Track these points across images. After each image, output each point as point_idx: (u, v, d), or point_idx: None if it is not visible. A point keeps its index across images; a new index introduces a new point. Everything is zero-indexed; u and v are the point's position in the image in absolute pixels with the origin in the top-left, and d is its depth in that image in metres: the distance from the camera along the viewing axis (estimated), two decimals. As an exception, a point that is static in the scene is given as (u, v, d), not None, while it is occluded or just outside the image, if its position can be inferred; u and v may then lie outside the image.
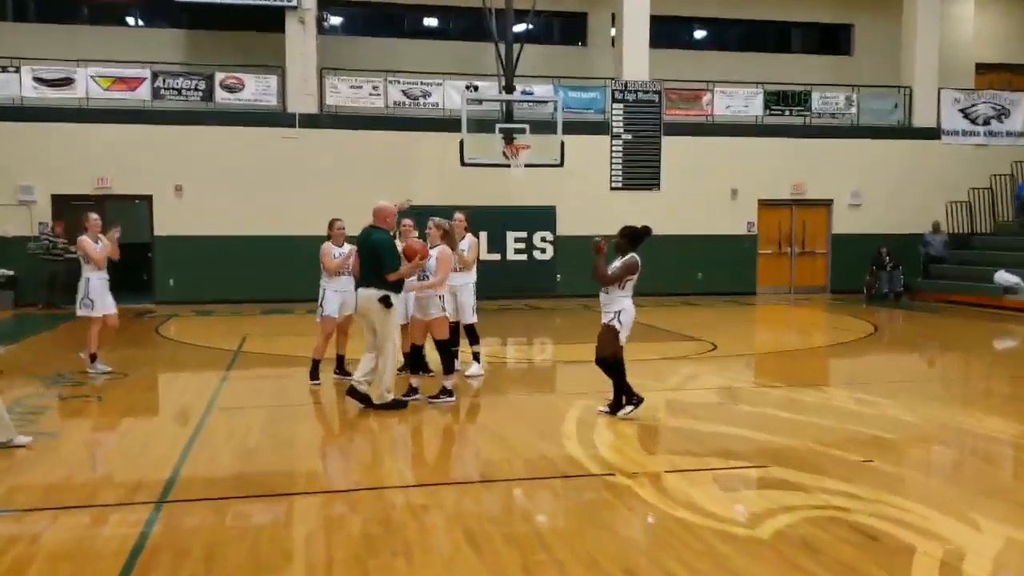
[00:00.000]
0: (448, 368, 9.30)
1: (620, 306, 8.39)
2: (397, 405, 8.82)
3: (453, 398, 9.30)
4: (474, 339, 10.63)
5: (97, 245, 11.02)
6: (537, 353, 14.32)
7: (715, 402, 9.28)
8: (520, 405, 9.38)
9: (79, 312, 11.08)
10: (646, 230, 8.35)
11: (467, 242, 10.46)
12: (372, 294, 8.67)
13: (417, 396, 9.28)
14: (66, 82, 20.50)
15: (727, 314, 19.45)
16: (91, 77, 20.53)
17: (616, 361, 8.50)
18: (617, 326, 8.36)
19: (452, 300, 9.74)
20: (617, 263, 8.35)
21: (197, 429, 8.07)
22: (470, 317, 10.47)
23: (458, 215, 10.47)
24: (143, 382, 10.94)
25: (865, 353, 13.70)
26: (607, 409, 8.62)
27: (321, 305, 10.29)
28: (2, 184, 20.04)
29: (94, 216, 11.32)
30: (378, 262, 8.65)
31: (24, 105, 20.25)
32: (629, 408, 8.48)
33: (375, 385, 8.81)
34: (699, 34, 26.17)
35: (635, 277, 8.31)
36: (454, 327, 9.95)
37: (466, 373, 10.46)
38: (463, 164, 18.04)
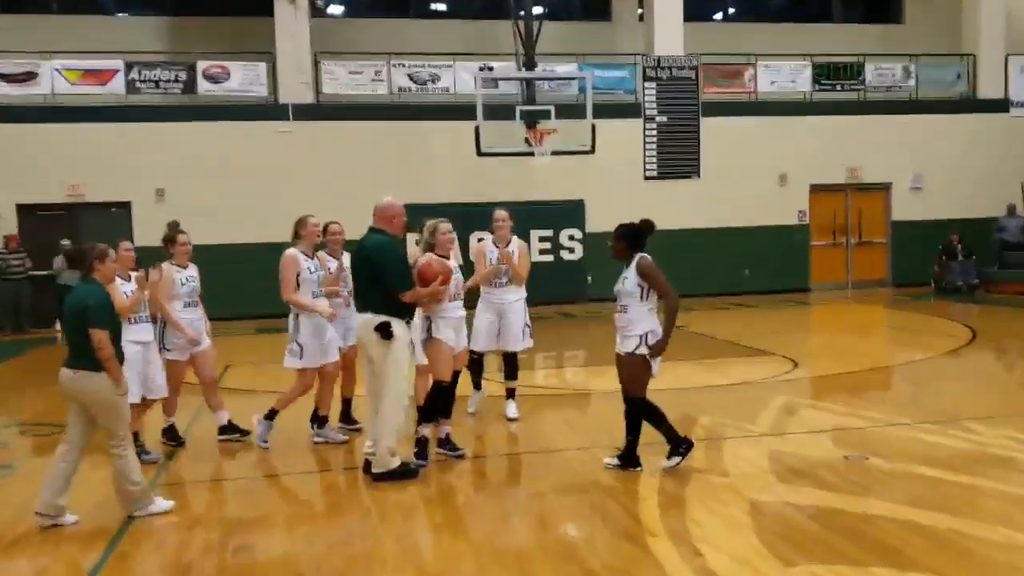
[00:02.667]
0: (427, 416, 7.06)
1: (647, 326, 6.44)
2: (404, 474, 6.47)
3: (464, 450, 7.13)
4: (513, 372, 8.42)
5: (127, 286, 7.15)
6: (583, 378, 11.89)
7: (837, 456, 6.83)
8: (569, 467, 6.90)
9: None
10: (648, 225, 6.58)
11: (515, 245, 8.35)
12: (368, 321, 6.36)
13: (434, 457, 6.95)
14: (29, 77, 18.28)
15: (789, 317, 17.03)
16: (56, 70, 18.28)
17: (642, 400, 6.55)
18: (645, 351, 6.40)
19: (450, 330, 7.13)
20: (633, 270, 6.45)
21: (108, 550, 5.72)
22: (519, 342, 8.28)
23: (500, 213, 8.34)
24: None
25: (989, 367, 11.29)
26: (616, 461, 6.65)
27: (298, 344, 7.47)
28: (-40, 194, 17.79)
29: (126, 246, 7.31)
30: (378, 276, 6.35)
31: (-18, 104, 18.03)
32: (676, 459, 6.53)
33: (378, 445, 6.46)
34: (735, 4, 23.72)
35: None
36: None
37: (509, 414, 8.34)
38: (480, 154, 15.71)
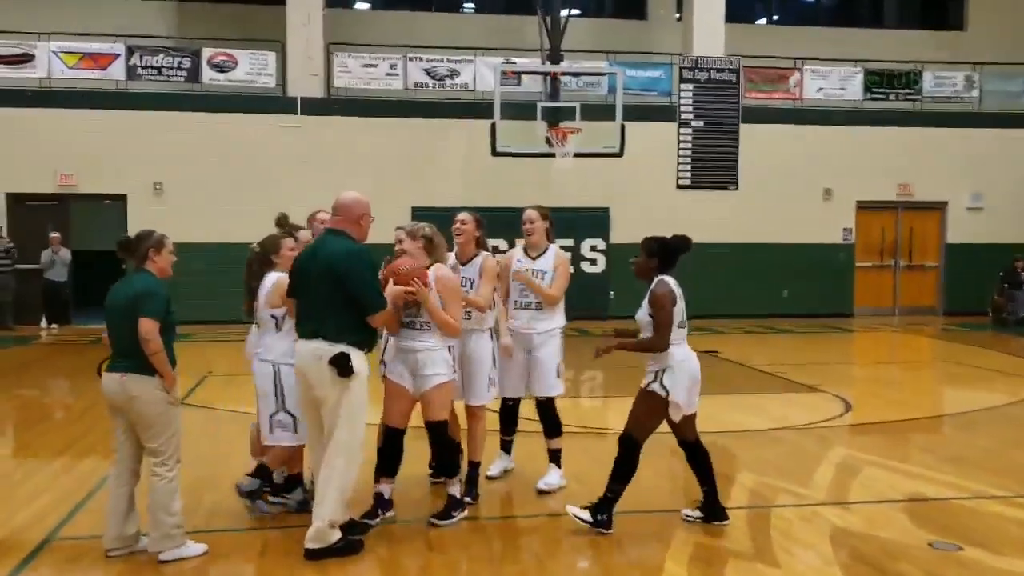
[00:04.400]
0: (451, 469, 5.66)
1: (667, 359, 5.33)
2: (347, 549, 5.04)
3: (465, 511, 5.67)
4: (553, 427, 6.39)
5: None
6: (600, 413, 10.42)
7: (920, 541, 5.32)
8: (620, 547, 5.45)
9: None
10: (683, 242, 5.47)
11: (551, 256, 6.35)
12: (319, 351, 4.92)
13: (386, 516, 5.56)
14: (25, 59, 17.14)
15: (833, 345, 15.50)
16: (54, 53, 17.13)
17: (633, 443, 5.40)
18: (661, 392, 5.29)
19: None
20: (647, 296, 5.39)
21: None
22: (552, 387, 6.33)
23: (531, 213, 6.43)
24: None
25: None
26: (697, 514, 5.60)
27: (280, 399, 5.56)
28: (-53, 181, 16.68)
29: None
30: (338, 293, 4.94)
31: (-27, 86, 16.93)
32: (581, 516, 5.44)
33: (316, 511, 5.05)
34: (781, 6, 22.23)
35: (682, 310, 5.40)
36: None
37: (542, 484, 6.29)
38: (494, 153, 14.34)
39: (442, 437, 5.55)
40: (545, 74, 14.78)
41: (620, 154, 14.70)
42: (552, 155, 14.23)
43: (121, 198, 17.40)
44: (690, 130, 18.34)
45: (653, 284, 5.32)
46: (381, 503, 5.57)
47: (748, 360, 12.85)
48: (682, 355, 5.30)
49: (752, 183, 18.39)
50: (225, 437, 7.78)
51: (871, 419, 9.02)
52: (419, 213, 17.54)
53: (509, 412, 6.49)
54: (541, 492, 6.22)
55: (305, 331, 5.03)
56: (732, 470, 6.80)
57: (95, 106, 17.06)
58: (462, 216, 6.24)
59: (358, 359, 4.93)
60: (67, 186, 17.22)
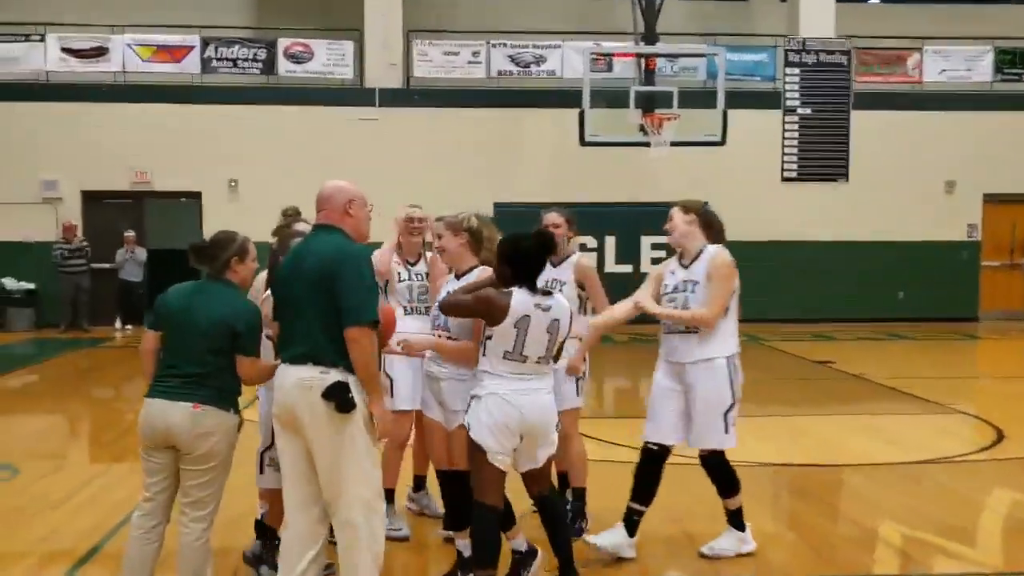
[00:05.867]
0: (456, 522, 4.55)
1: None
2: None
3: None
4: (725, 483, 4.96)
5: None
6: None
7: None
8: None
9: None
10: (542, 242, 4.33)
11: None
12: (309, 381, 3.80)
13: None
14: (99, 52, 16.75)
15: (962, 355, 14.02)
16: (128, 46, 16.67)
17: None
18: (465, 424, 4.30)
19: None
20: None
21: None
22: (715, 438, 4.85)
23: (553, 217, 5.37)
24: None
25: None
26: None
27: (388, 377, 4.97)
28: (23, 178, 16.47)
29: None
30: (332, 304, 3.81)
31: (50, 82, 16.58)
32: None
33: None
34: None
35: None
36: None
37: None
38: (583, 143, 13.25)
39: (458, 489, 4.44)
40: (640, 56, 13.58)
41: (722, 142, 13.47)
42: (646, 144, 13.03)
43: (196, 196, 16.87)
44: (796, 118, 17.00)
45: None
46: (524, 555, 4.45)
47: (867, 372, 11.43)
48: (496, 388, 4.10)
49: (865, 174, 16.91)
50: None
51: (1029, 450, 7.58)
52: (501, 209, 16.51)
53: (652, 464, 4.87)
54: (703, 556, 4.87)
55: (291, 354, 3.86)
56: (867, 518, 5.56)
57: (169, 100, 16.58)
58: (553, 218, 5.35)
59: (356, 390, 3.83)
60: (141, 183, 16.81)
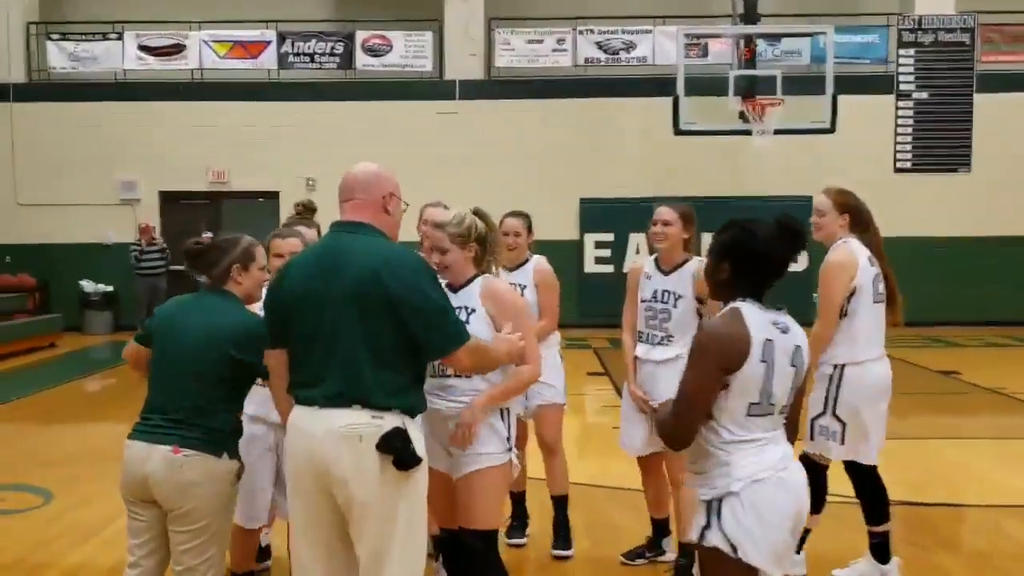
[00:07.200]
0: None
1: (726, 476, 2.74)
2: None
3: None
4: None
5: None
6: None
7: None
8: None
9: None
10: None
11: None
12: (353, 428, 2.91)
13: None
14: (176, 50, 16.45)
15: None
16: (204, 42, 16.32)
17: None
18: (723, 546, 2.72)
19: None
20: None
21: None
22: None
23: (664, 213, 4.52)
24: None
25: None
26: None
27: None
28: (102, 179, 16.37)
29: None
30: (385, 329, 2.96)
31: (128, 80, 16.36)
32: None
33: None
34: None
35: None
36: None
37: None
38: (677, 132, 12.24)
39: (490, 554, 3.47)
40: (739, 38, 12.47)
41: (832, 130, 12.31)
42: (747, 133, 11.95)
43: (274, 195, 16.41)
44: (911, 103, 15.55)
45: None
46: None
47: (1003, 385, 10.11)
48: (757, 467, 2.72)
49: (990, 164, 15.41)
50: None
51: None
52: (587, 205, 15.73)
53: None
54: None
55: (322, 394, 2.96)
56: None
57: (246, 98, 16.22)
58: (665, 215, 4.47)
59: (417, 435, 2.98)
60: (218, 183, 16.48)
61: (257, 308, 3.42)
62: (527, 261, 4.99)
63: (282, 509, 3.82)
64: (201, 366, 3.23)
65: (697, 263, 4.37)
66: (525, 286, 4.86)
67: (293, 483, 3.06)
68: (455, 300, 3.34)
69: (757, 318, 2.73)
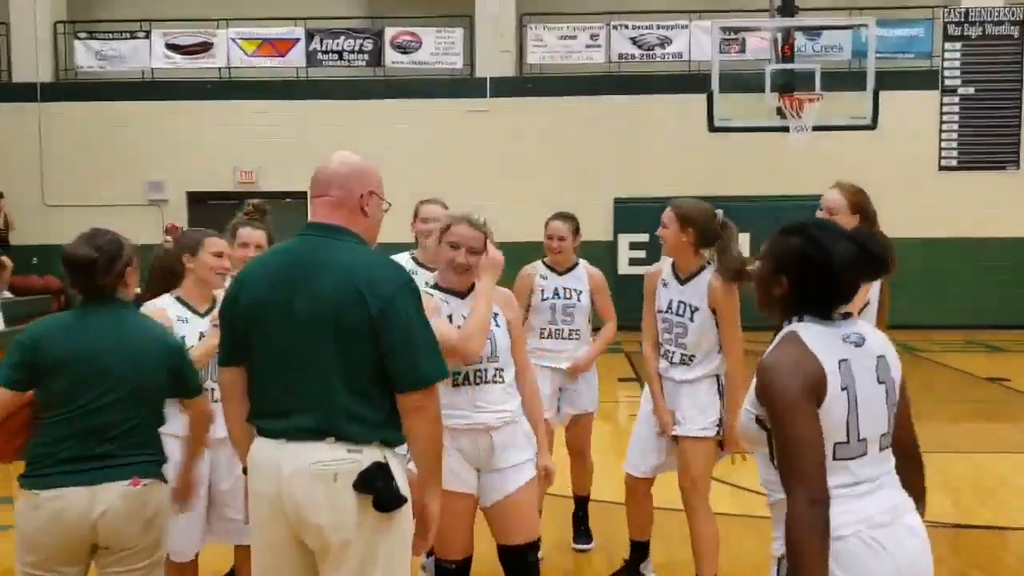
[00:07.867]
0: None
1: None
2: None
3: None
4: None
5: (198, 323, 3.74)
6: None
7: None
8: None
9: None
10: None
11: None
12: (331, 464, 2.54)
13: None
14: (204, 48, 16.31)
15: None
16: (232, 40, 16.17)
17: None
18: None
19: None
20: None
21: None
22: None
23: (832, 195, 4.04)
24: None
25: None
26: None
27: None
28: (129, 179, 16.25)
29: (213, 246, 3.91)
30: (365, 351, 2.59)
31: (155, 79, 16.26)
32: None
33: None
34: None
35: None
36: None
37: None
38: (712, 129, 11.89)
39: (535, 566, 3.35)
40: (777, 31, 12.08)
41: (873, 126, 11.86)
42: (784, 130, 11.55)
43: (301, 196, 16.19)
44: (957, 99, 15.21)
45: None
46: None
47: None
48: (841, 520, 2.19)
49: (1040, 162, 14.95)
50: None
51: None
52: (621, 206, 15.39)
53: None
54: None
55: (292, 426, 2.60)
56: None
57: (274, 97, 16.06)
58: (663, 215, 4.21)
59: (399, 471, 2.64)
60: (247, 183, 16.29)
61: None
62: (577, 265, 5.07)
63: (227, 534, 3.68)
64: (141, 390, 2.94)
65: (711, 273, 4.03)
66: (581, 291, 5.04)
67: (256, 526, 2.70)
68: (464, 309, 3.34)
69: (821, 338, 2.28)
